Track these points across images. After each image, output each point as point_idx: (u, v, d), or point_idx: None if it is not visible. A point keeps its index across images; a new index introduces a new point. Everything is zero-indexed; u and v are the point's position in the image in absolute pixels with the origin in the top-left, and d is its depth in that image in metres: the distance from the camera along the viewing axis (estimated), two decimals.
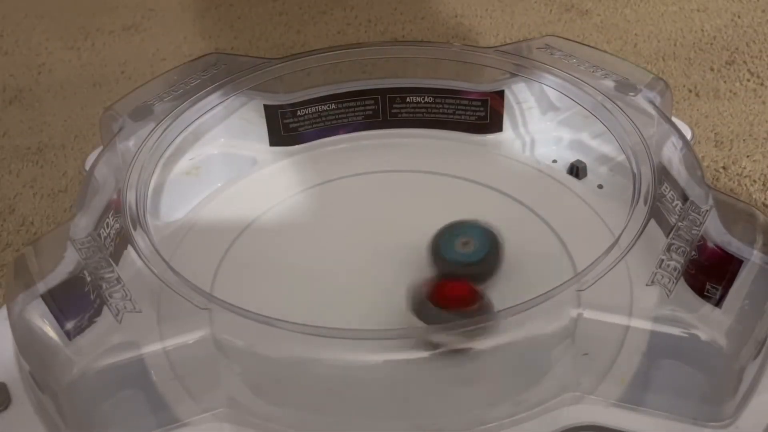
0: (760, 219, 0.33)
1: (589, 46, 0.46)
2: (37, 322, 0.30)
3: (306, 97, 0.45)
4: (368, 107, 0.46)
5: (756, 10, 0.72)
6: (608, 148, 0.43)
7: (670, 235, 0.31)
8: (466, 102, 0.46)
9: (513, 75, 0.44)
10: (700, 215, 0.32)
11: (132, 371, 0.29)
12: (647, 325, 0.29)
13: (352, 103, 0.46)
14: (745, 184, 0.52)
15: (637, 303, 0.30)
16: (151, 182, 0.38)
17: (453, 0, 0.77)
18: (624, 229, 0.32)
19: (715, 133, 0.56)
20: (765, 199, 0.50)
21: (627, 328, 0.30)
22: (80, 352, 0.29)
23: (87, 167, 0.39)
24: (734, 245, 0.31)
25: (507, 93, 0.45)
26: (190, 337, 0.29)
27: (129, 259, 0.32)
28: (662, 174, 0.35)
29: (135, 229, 0.33)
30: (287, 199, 0.42)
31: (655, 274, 0.30)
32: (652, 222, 0.32)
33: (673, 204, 0.33)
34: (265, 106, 0.45)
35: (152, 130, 0.39)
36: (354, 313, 0.35)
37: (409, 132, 0.47)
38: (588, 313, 0.29)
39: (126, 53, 0.71)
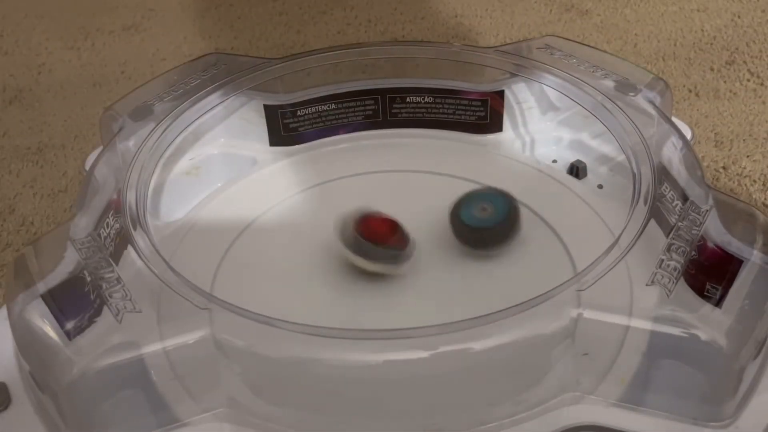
0: (760, 219, 0.33)
1: (589, 46, 0.46)
2: (37, 322, 0.30)
3: (306, 97, 0.45)
4: (368, 107, 0.46)
5: (756, 10, 0.72)
6: (608, 148, 0.43)
7: (670, 235, 0.31)
8: (466, 102, 0.46)
9: (513, 75, 0.44)
10: (700, 215, 0.32)
11: (132, 371, 0.29)
12: (647, 325, 0.29)
13: (352, 103, 0.46)
14: (745, 184, 0.52)
15: (637, 303, 0.30)
16: (151, 182, 0.38)
17: (453, 0, 0.77)
18: (624, 229, 0.32)
19: (715, 133, 0.56)
20: (765, 199, 0.50)
21: (627, 328, 0.30)
22: (80, 352, 0.29)
23: (87, 167, 0.39)
24: (734, 245, 0.31)
25: (507, 93, 0.45)
26: (190, 337, 0.29)
27: (129, 259, 0.32)
28: (662, 174, 0.35)
29: (135, 229, 0.33)
30: (287, 199, 0.42)
31: (655, 274, 0.30)
32: (652, 222, 0.32)
33: (673, 204, 0.33)
34: (265, 106, 0.45)
35: (152, 130, 0.39)
36: (354, 313, 0.35)
37: (409, 132, 0.47)
38: (588, 313, 0.29)
39: (126, 53, 0.71)
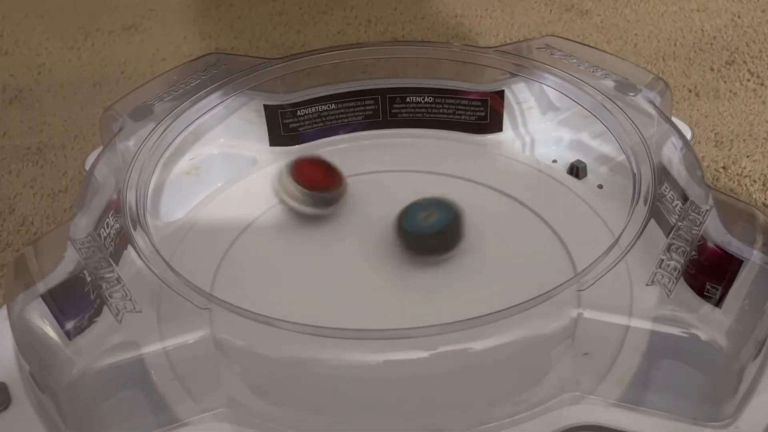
0: (760, 219, 0.33)
1: (589, 46, 0.46)
2: (37, 322, 0.30)
3: (306, 97, 0.45)
4: (368, 107, 0.46)
5: (756, 10, 0.72)
6: (608, 148, 0.43)
7: (670, 235, 0.31)
8: (466, 102, 0.46)
9: (513, 75, 0.44)
10: (700, 215, 0.32)
11: (132, 371, 0.29)
12: (647, 325, 0.29)
13: (352, 103, 0.46)
14: (745, 184, 0.52)
15: (637, 303, 0.30)
16: (151, 182, 0.38)
17: (453, 0, 0.77)
18: (624, 229, 0.32)
19: (715, 133, 0.56)
20: (765, 199, 0.50)
21: (627, 328, 0.30)
22: (80, 352, 0.29)
23: (87, 167, 0.39)
24: (734, 245, 0.31)
25: (507, 93, 0.45)
26: (190, 337, 0.29)
27: (129, 259, 0.32)
28: (662, 174, 0.35)
29: (135, 229, 0.33)
30: None
31: (655, 274, 0.30)
32: (652, 222, 0.32)
33: (673, 204, 0.33)
34: (265, 106, 0.45)
35: (152, 130, 0.39)
36: (354, 313, 0.35)
37: (409, 132, 0.47)
38: (588, 313, 0.29)
39: (126, 53, 0.71)
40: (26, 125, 0.62)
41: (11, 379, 0.32)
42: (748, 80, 0.62)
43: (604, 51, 0.46)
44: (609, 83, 0.41)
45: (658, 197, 0.33)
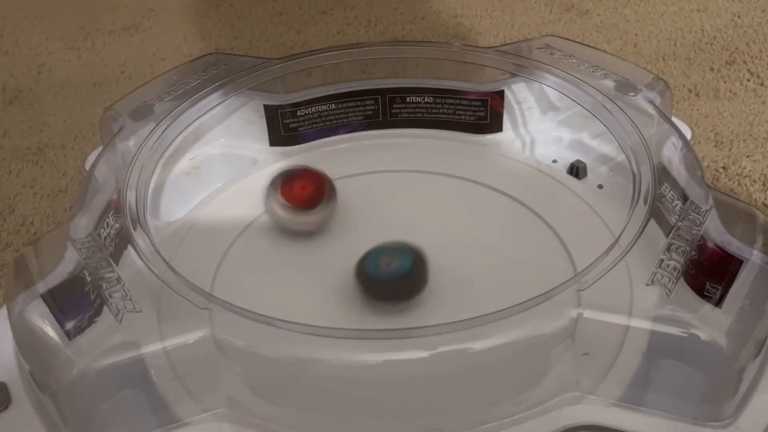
0: (760, 219, 0.33)
1: (589, 46, 0.46)
2: (37, 322, 0.30)
3: (306, 97, 0.45)
4: (368, 107, 0.46)
5: (756, 10, 0.72)
6: (608, 148, 0.43)
7: (670, 235, 0.31)
8: (466, 102, 0.46)
9: (513, 75, 0.44)
10: (700, 215, 0.32)
11: (132, 371, 0.29)
12: (647, 325, 0.29)
13: (352, 103, 0.46)
14: (745, 184, 0.52)
15: (637, 303, 0.30)
16: (151, 182, 0.38)
17: (453, 0, 0.77)
18: (624, 229, 0.32)
19: (715, 133, 0.56)
20: (765, 199, 0.50)
21: (627, 328, 0.30)
22: (80, 352, 0.29)
23: (87, 167, 0.39)
24: (734, 245, 0.31)
25: (507, 93, 0.45)
26: (190, 337, 0.29)
27: (129, 259, 0.32)
28: (662, 174, 0.35)
29: (135, 229, 0.33)
30: None
31: (655, 274, 0.30)
32: (652, 222, 0.32)
33: (673, 204, 0.33)
34: (265, 106, 0.45)
35: (152, 130, 0.39)
36: (354, 313, 0.35)
37: (409, 132, 0.47)
38: (588, 313, 0.29)
39: (126, 53, 0.71)
40: (26, 125, 0.62)
41: (11, 379, 0.32)
42: (748, 80, 0.62)
43: (604, 51, 0.46)
44: (609, 83, 0.41)
45: (658, 197, 0.33)
